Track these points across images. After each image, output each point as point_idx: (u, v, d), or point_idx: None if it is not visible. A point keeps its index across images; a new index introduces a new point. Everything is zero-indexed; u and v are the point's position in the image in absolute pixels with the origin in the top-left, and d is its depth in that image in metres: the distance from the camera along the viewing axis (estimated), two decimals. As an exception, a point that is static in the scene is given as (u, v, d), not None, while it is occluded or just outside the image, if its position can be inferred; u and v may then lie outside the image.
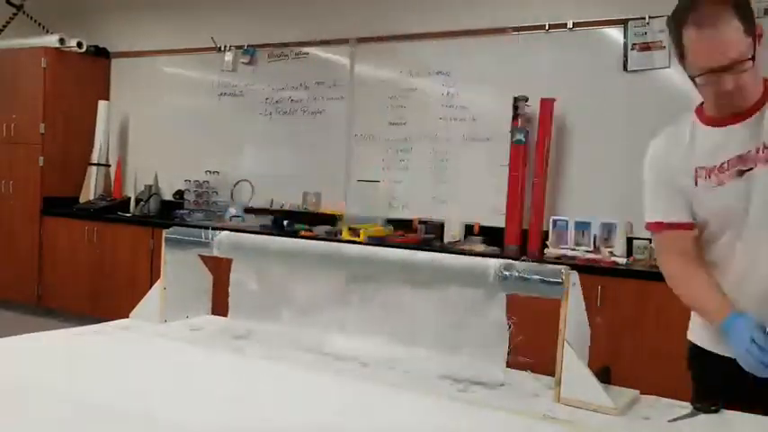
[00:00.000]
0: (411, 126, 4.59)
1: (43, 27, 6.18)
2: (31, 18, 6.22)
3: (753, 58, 1.45)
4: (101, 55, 5.99)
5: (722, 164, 1.55)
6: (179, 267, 1.98)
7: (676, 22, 1.49)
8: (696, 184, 1.60)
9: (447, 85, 4.48)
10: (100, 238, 5.28)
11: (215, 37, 5.36)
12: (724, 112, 1.56)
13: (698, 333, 1.80)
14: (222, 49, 5.37)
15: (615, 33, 3.95)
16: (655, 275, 3.36)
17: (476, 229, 4.21)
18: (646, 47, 3.85)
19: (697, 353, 1.78)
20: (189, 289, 2.01)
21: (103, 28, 6.02)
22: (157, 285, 1.96)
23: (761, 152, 1.51)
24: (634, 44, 3.88)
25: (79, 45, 5.76)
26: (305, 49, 5.02)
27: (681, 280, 1.76)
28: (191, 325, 1.96)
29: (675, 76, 3.80)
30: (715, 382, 1.66)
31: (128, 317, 1.99)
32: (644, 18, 3.85)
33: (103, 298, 5.18)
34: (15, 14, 6.22)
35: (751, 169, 1.53)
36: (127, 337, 1.84)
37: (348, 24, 4.80)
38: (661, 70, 3.83)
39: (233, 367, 1.63)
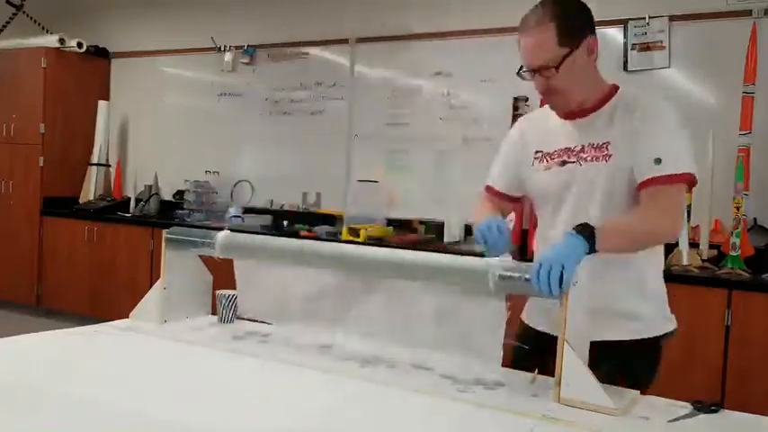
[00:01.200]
0: (411, 126, 4.59)
1: (43, 27, 6.18)
2: (31, 18, 6.22)
3: (558, 67, 1.64)
4: (101, 55, 5.99)
5: (554, 152, 1.77)
6: (179, 267, 1.98)
7: (519, 30, 1.73)
8: (532, 164, 1.82)
9: (447, 85, 4.48)
10: (100, 239, 5.28)
11: (215, 37, 5.36)
12: (554, 108, 1.77)
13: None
14: (222, 49, 5.37)
15: (615, 33, 3.95)
16: (655, 275, 3.37)
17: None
18: (646, 47, 3.85)
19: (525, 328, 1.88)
20: (189, 289, 2.02)
21: (103, 28, 6.02)
22: (157, 285, 1.96)
23: (585, 150, 1.71)
24: (634, 44, 3.88)
25: (79, 45, 5.76)
26: (305, 49, 5.02)
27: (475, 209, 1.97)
28: (191, 325, 1.97)
29: (675, 76, 3.80)
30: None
31: (128, 317, 1.99)
32: (644, 18, 3.85)
33: (103, 298, 5.18)
34: (15, 14, 6.22)
35: (573, 163, 1.73)
36: (127, 337, 1.84)
37: (348, 24, 4.80)
38: (661, 70, 3.83)
39: (233, 367, 1.63)
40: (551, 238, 1.73)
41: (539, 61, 1.66)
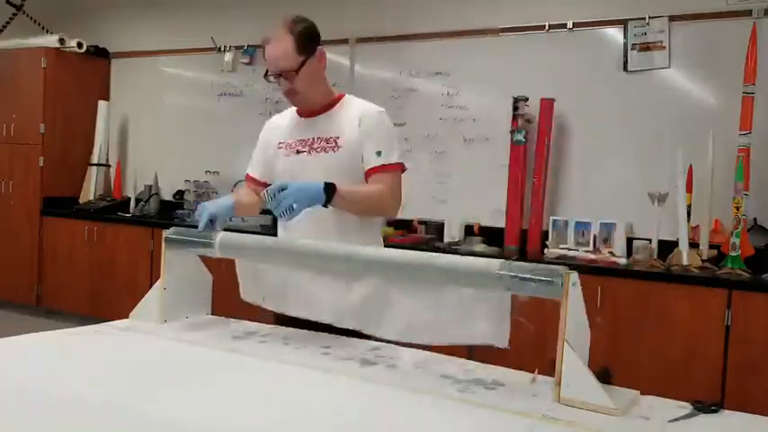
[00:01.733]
0: (411, 126, 4.59)
1: (43, 27, 6.18)
2: (31, 18, 6.22)
3: (299, 71, 2.02)
4: (101, 55, 5.99)
5: (292, 142, 2.14)
6: (179, 267, 1.98)
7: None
8: (274, 152, 2.18)
9: (447, 85, 4.48)
10: (100, 239, 5.28)
11: (215, 37, 5.36)
12: (297, 107, 2.15)
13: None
14: (222, 49, 5.37)
15: (615, 33, 3.95)
16: (655, 276, 3.37)
17: (476, 230, 4.21)
18: (646, 47, 3.85)
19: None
20: (189, 289, 2.02)
21: (103, 28, 6.02)
22: (157, 285, 1.96)
23: (315, 142, 2.09)
24: (634, 44, 3.88)
25: (79, 45, 5.76)
26: (305, 50, 5.01)
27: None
28: (191, 325, 1.97)
29: (675, 76, 3.81)
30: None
31: (128, 317, 1.99)
32: (644, 18, 3.85)
33: (103, 298, 5.18)
34: (15, 14, 6.22)
35: (305, 152, 2.10)
36: (127, 337, 1.84)
37: (348, 24, 4.80)
38: (661, 70, 3.83)
39: (233, 367, 1.63)
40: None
41: (279, 66, 2.02)
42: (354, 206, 1.96)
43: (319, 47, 2.11)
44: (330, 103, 2.14)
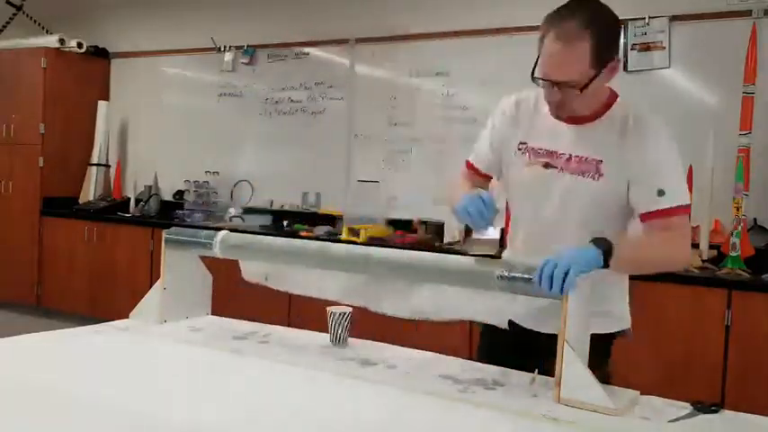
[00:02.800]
0: (411, 126, 4.59)
1: (43, 27, 6.18)
2: (31, 18, 6.22)
3: (583, 88, 1.53)
4: (100, 55, 5.98)
5: (539, 149, 1.69)
6: (179, 268, 1.98)
7: (546, 25, 1.57)
8: (515, 154, 1.74)
9: (447, 85, 4.48)
10: (100, 239, 5.28)
11: (215, 37, 5.36)
12: (554, 113, 1.66)
13: None
14: (222, 49, 5.36)
15: (615, 33, 3.94)
16: (655, 276, 3.36)
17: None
18: (646, 47, 3.85)
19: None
20: (189, 289, 2.01)
21: (103, 28, 6.02)
22: (157, 286, 1.96)
23: (571, 160, 1.64)
24: (634, 44, 3.88)
25: (79, 45, 5.75)
26: (305, 49, 5.02)
27: (451, 184, 1.90)
28: (190, 325, 1.97)
29: (675, 76, 3.80)
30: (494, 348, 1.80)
31: (127, 317, 1.99)
32: (644, 18, 3.85)
33: (103, 298, 5.18)
34: (15, 14, 6.22)
35: (555, 168, 1.66)
36: (126, 337, 1.84)
37: (348, 24, 4.80)
38: (661, 71, 3.82)
39: (233, 367, 1.63)
40: (531, 236, 1.74)
41: (566, 77, 1.54)
42: (634, 268, 1.62)
43: (617, 56, 1.59)
44: (597, 111, 1.65)
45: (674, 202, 1.56)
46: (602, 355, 1.73)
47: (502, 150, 1.78)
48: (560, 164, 1.66)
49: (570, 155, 1.65)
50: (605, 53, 1.54)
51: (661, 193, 1.55)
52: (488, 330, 1.79)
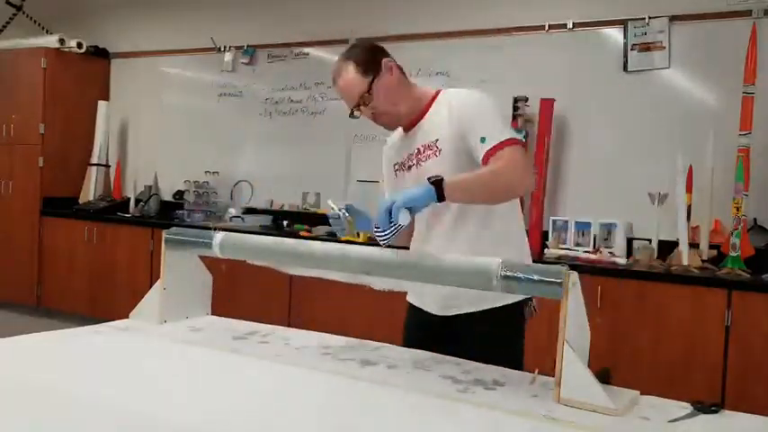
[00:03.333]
0: (411, 126, 4.59)
1: (43, 27, 6.18)
2: (31, 18, 6.22)
3: (369, 90, 1.87)
4: (100, 55, 5.99)
5: (402, 162, 2.01)
6: (179, 268, 1.98)
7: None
8: (396, 175, 2.05)
9: (447, 85, 4.46)
10: (99, 239, 5.28)
11: (215, 37, 5.36)
12: (389, 127, 2.01)
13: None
14: (222, 49, 5.37)
15: (615, 34, 3.95)
16: (655, 276, 3.37)
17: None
18: (646, 47, 3.85)
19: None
20: (189, 289, 2.01)
21: (103, 28, 6.02)
22: (157, 286, 1.96)
23: (420, 152, 1.93)
24: (634, 44, 3.88)
25: (79, 45, 5.76)
26: (305, 49, 5.02)
27: None
28: (190, 325, 1.96)
29: (675, 76, 3.80)
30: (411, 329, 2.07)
31: (128, 317, 1.99)
32: (644, 18, 3.85)
33: (103, 298, 5.18)
34: (15, 14, 6.22)
35: (414, 165, 1.95)
36: (126, 337, 1.84)
37: (348, 24, 4.79)
38: (661, 71, 3.83)
39: (233, 368, 1.63)
40: (420, 227, 1.97)
41: (354, 98, 1.88)
42: (472, 192, 1.73)
43: (385, 60, 1.92)
44: (424, 108, 1.95)
45: (495, 141, 1.77)
46: (513, 333, 1.91)
47: (391, 185, 2.08)
48: (415, 160, 1.95)
49: (417, 148, 1.94)
50: (369, 63, 1.89)
51: (483, 139, 1.79)
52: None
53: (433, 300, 1.97)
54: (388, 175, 2.10)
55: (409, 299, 2.08)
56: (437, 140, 1.88)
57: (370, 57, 1.90)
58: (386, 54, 1.94)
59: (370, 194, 4.60)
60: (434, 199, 1.63)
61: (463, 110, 1.86)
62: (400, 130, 2.03)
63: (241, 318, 2.08)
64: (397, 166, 2.03)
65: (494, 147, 1.76)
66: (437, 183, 1.64)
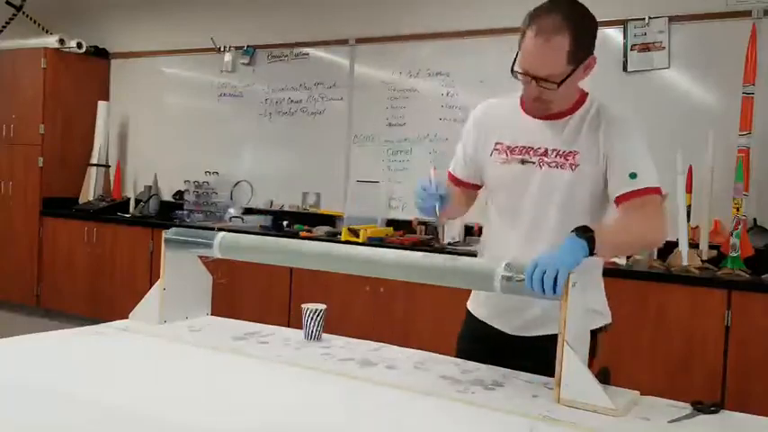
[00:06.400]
0: (411, 127, 4.59)
1: (43, 27, 6.17)
2: (31, 18, 6.22)
3: (560, 84, 1.59)
4: (100, 55, 5.98)
5: (515, 147, 1.74)
6: (179, 268, 1.98)
7: (528, 20, 1.63)
8: (491, 154, 1.78)
9: (447, 86, 4.48)
10: (99, 239, 5.28)
11: (214, 37, 5.36)
12: (530, 109, 1.73)
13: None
14: (222, 49, 5.36)
15: (615, 34, 3.95)
16: (655, 276, 3.37)
17: (475, 230, 4.21)
18: (645, 47, 3.85)
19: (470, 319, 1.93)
20: (188, 290, 2.01)
21: (103, 28, 6.02)
22: (157, 286, 1.96)
23: (547, 154, 1.70)
24: (633, 45, 3.88)
25: (79, 45, 5.75)
26: (305, 50, 5.02)
27: None
28: (190, 326, 1.96)
29: (675, 76, 3.80)
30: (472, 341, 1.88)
31: (127, 317, 1.99)
32: (644, 19, 3.85)
33: (103, 299, 5.18)
34: (15, 15, 6.22)
35: (533, 163, 1.71)
36: (126, 337, 1.84)
37: (348, 24, 4.80)
38: (661, 71, 3.83)
39: (232, 367, 1.63)
40: (512, 230, 1.76)
41: (544, 72, 1.60)
42: (619, 250, 1.66)
43: (592, 54, 1.67)
44: (572, 108, 1.72)
45: (646, 183, 1.62)
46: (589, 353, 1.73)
47: (477, 157, 1.83)
48: (537, 158, 1.71)
49: (546, 149, 1.71)
50: (582, 50, 1.61)
51: (633, 175, 1.62)
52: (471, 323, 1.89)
53: (508, 320, 1.79)
54: (474, 141, 1.84)
55: (470, 306, 1.92)
56: (577, 153, 1.67)
57: (585, 44, 1.62)
58: (594, 47, 1.68)
59: (369, 194, 4.61)
60: (586, 255, 1.44)
61: (614, 131, 1.66)
62: (515, 103, 1.78)
63: (241, 318, 2.08)
64: (499, 147, 1.77)
65: (642, 190, 1.61)
66: (590, 234, 1.45)
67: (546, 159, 1.70)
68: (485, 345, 1.81)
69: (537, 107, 1.70)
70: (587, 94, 1.75)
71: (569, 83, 1.62)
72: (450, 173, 1.94)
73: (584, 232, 1.46)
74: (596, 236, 1.46)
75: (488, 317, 1.85)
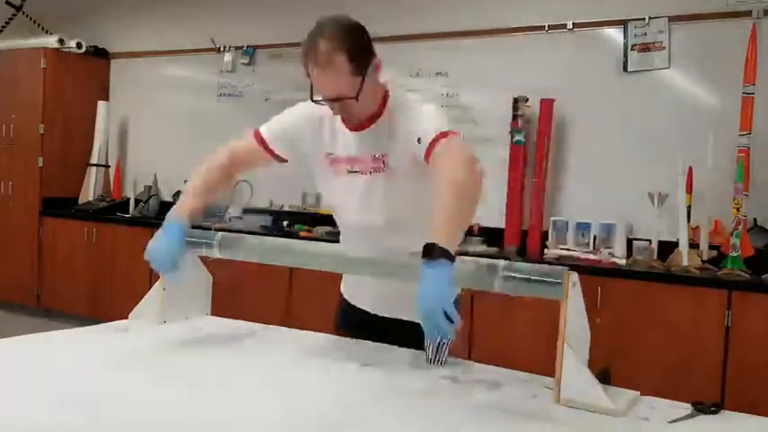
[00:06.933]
0: (411, 126, 4.58)
1: (42, 27, 6.18)
2: (31, 18, 6.22)
3: (357, 96, 1.66)
4: (100, 55, 5.99)
5: (342, 158, 1.82)
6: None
7: (303, 56, 1.70)
8: (322, 165, 1.87)
9: (447, 86, 4.48)
10: (99, 239, 5.28)
11: (214, 37, 5.36)
12: (343, 122, 1.79)
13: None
14: (221, 49, 5.37)
15: (615, 34, 3.95)
16: (655, 276, 3.37)
17: (475, 230, 4.21)
18: (645, 47, 3.85)
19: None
20: (188, 290, 2.01)
21: (103, 28, 6.02)
22: (157, 286, 1.96)
23: (367, 161, 1.77)
24: (634, 45, 3.88)
25: (78, 45, 5.76)
26: (305, 50, 5.02)
27: (203, 165, 2.16)
28: (190, 326, 1.96)
29: (675, 76, 3.80)
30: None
31: (127, 317, 1.99)
32: (644, 19, 3.85)
33: (103, 298, 5.18)
34: (15, 15, 6.22)
35: (357, 172, 1.80)
36: (126, 337, 1.84)
37: (348, 25, 4.79)
38: (661, 71, 3.83)
39: (233, 367, 1.63)
40: (358, 235, 1.84)
41: (337, 93, 1.67)
42: (459, 227, 1.55)
43: (374, 56, 1.75)
44: (375, 113, 1.78)
45: (429, 138, 1.64)
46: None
47: (293, 139, 1.90)
48: (360, 166, 1.79)
49: (365, 156, 1.78)
50: (361, 59, 1.68)
51: (419, 140, 1.66)
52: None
53: (367, 298, 1.94)
54: (297, 128, 1.89)
55: (343, 290, 2.05)
56: (385, 156, 1.75)
57: (365, 51, 1.71)
58: (373, 49, 1.76)
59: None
60: (453, 270, 1.41)
61: (401, 118, 1.74)
62: (335, 117, 1.81)
63: (241, 318, 2.08)
64: (330, 159, 1.84)
65: (430, 145, 1.64)
66: (438, 250, 1.40)
67: (366, 166, 1.78)
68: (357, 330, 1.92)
69: (349, 120, 1.77)
70: (388, 93, 1.81)
71: (365, 90, 1.68)
72: (260, 134, 2.00)
73: (430, 253, 1.40)
74: (437, 240, 1.41)
75: (352, 296, 1.99)
